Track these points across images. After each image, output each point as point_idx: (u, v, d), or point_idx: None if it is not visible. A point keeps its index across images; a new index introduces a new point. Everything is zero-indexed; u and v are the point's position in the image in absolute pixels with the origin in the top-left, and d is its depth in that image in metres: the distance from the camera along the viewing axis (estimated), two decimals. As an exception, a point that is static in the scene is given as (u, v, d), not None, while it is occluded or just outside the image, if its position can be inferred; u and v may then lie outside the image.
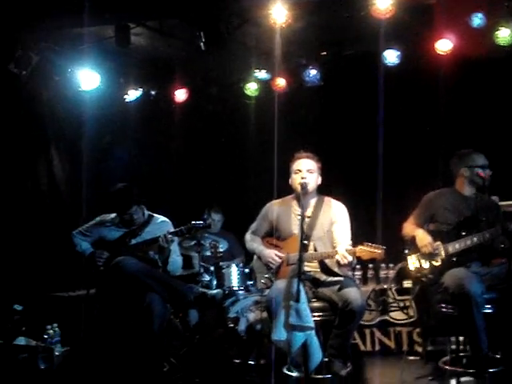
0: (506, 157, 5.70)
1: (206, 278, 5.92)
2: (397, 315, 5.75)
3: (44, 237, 6.01)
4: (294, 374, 4.06)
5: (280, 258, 4.30)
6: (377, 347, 5.80)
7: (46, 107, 6.37)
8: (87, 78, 6.19)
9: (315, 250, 4.26)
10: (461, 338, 4.37)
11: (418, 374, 5.03)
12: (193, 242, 5.88)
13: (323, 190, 4.54)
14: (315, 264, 4.28)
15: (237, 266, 5.89)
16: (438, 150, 6.02)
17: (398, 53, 6.09)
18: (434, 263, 4.22)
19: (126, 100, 6.78)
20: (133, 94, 6.77)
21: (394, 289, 5.80)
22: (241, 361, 5.38)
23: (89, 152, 6.57)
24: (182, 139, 7.05)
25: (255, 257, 4.54)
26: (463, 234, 4.20)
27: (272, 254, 4.33)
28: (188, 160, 7.11)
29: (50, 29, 5.43)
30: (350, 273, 4.50)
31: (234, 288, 5.82)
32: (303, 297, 3.49)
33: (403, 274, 5.43)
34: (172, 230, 4.57)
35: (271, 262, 4.32)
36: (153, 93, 6.85)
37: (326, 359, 4.05)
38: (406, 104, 6.37)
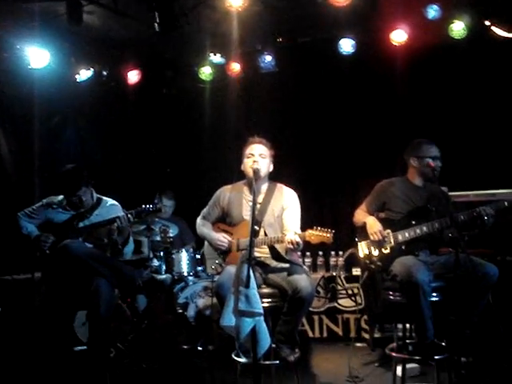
0: (458, 147, 5.80)
1: (156, 263, 5.87)
2: (345, 302, 5.83)
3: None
4: (243, 360, 4.05)
5: (228, 239, 4.30)
6: (325, 334, 5.87)
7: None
8: (37, 56, 6.02)
9: (266, 236, 4.25)
10: (407, 326, 4.41)
11: (365, 360, 5.13)
12: (142, 227, 5.82)
13: (275, 177, 4.53)
14: (265, 250, 4.28)
15: (187, 251, 5.85)
16: (392, 139, 6.09)
17: (353, 42, 6.11)
18: (384, 251, 4.25)
19: (77, 80, 6.61)
20: (84, 74, 6.61)
21: (342, 276, 5.87)
22: (189, 346, 5.38)
23: (38, 132, 6.40)
24: (134, 121, 6.93)
25: (206, 242, 4.52)
26: (413, 222, 4.25)
27: (220, 237, 4.34)
28: (140, 143, 7.00)
29: (-1, 4, 5.24)
30: (299, 260, 4.51)
31: (184, 274, 5.78)
32: (253, 282, 3.45)
33: (352, 261, 5.50)
34: (121, 213, 4.48)
35: (219, 245, 4.32)
36: (105, 73, 6.69)
37: (274, 345, 4.06)
38: (361, 93, 6.41)
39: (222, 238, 4.32)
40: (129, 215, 4.38)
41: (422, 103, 6.10)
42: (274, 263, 4.26)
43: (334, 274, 5.92)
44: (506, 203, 4.12)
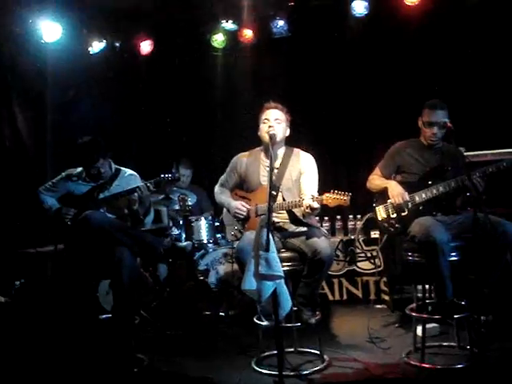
0: (475, 106, 5.76)
1: (175, 231, 5.93)
2: (364, 265, 5.88)
3: (10, 193, 5.89)
4: (264, 323, 4.12)
5: (246, 208, 4.32)
6: (345, 297, 5.93)
7: (6, 60, 6.15)
8: (49, 30, 6.03)
9: (284, 200, 4.27)
10: (427, 286, 4.44)
11: (385, 321, 5.17)
12: (161, 196, 5.86)
13: (291, 143, 4.53)
14: (284, 215, 4.31)
15: (206, 219, 5.90)
16: (407, 100, 6.03)
17: (366, 3, 6.04)
18: (402, 213, 4.26)
19: (90, 52, 6.62)
20: (97, 46, 6.60)
21: (361, 239, 5.90)
22: (211, 312, 5.46)
23: (53, 106, 6.43)
24: (148, 92, 6.93)
25: (225, 209, 4.55)
26: (429, 183, 4.24)
27: (239, 205, 4.35)
28: (155, 113, 7.00)
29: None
30: (317, 223, 4.53)
31: (204, 241, 5.84)
32: (273, 246, 3.50)
33: (371, 224, 5.51)
34: (140, 183, 4.51)
35: (238, 213, 4.34)
36: (117, 44, 6.69)
37: (295, 308, 4.12)
38: (375, 55, 6.33)
39: (241, 206, 4.33)
40: (148, 185, 4.41)
41: (437, 63, 6.03)
42: (292, 227, 4.30)
43: (353, 237, 5.95)
44: (504, 164, 4.09)
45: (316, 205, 3.91)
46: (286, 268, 4.01)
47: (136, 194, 4.36)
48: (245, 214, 4.32)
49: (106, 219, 4.32)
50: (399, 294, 5.51)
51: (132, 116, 6.97)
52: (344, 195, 3.91)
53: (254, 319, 4.23)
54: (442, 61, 6.01)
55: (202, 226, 5.87)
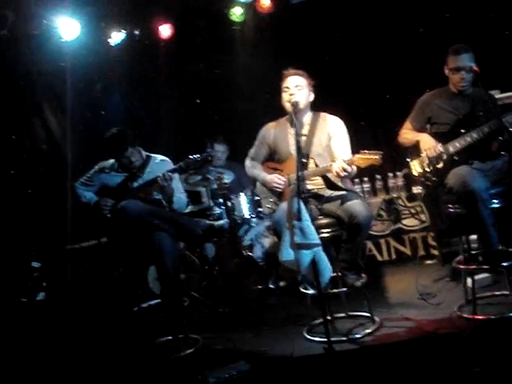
0: (506, 48, 5.55)
1: (217, 210, 5.95)
2: (409, 222, 5.80)
3: (50, 193, 6.01)
4: (311, 292, 4.12)
5: (283, 180, 4.27)
6: (393, 256, 5.88)
7: (31, 65, 6.22)
8: (67, 28, 6.05)
9: (316, 167, 4.22)
10: (474, 237, 4.35)
11: (436, 276, 5.11)
12: (199, 177, 5.89)
13: (319, 107, 4.45)
14: (319, 181, 4.26)
15: (245, 195, 5.90)
16: (434, 50, 5.84)
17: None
18: (437, 165, 4.15)
19: (111, 44, 6.63)
20: (116, 37, 6.58)
21: (403, 196, 5.81)
22: (261, 286, 5.48)
23: (82, 103, 6.49)
24: (173, 75, 6.92)
25: (258, 183, 4.52)
26: (462, 131, 4.12)
27: (275, 179, 4.30)
28: (183, 95, 7.00)
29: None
30: (355, 186, 4.47)
31: (246, 216, 5.85)
32: (305, 215, 3.47)
33: (411, 180, 5.40)
34: (171, 167, 4.54)
35: (276, 187, 4.30)
36: (137, 32, 6.67)
37: (340, 274, 4.10)
38: (398, 5, 6.15)
39: (277, 180, 4.28)
40: (167, 174, 4.39)
41: (462, 7, 5.82)
42: (328, 193, 4.24)
43: (395, 195, 5.86)
44: None
45: (347, 167, 3.84)
46: (325, 234, 4.00)
47: (158, 180, 4.37)
48: (283, 186, 4.27)
49: (142, 207, 4.35)
50: (448, 247, 5.42)
51: (160, 101, 6.98)
52: (375, 154, 3.82)
53: (300, 288, 4.23)
54: (467, 4, 5.79)
55: (242, 202, 5.86)
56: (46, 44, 6.10)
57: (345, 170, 3.84)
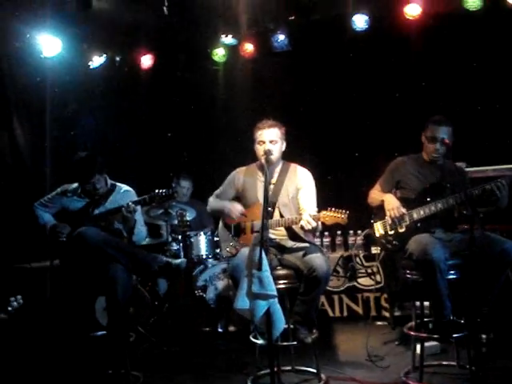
0: (476, 122, 5.71)
1: (175, 246, 5.90)
2: (365, 281, 5.81)
3: (8, 208, 5.87)
4: (260, 342, 4.07)
5: (240, 208, 4.30)
6: (345, 313, 5.87)
7: (6, 76, 6.14)
8: (48, 44, 6.03)
9: (281, 216, 4.23)
10: (426, 304, 4.38)
11: (385, 339, 5.12)
12: (160, 211, 5.84)
13: (290, 158, 4.49)
14: (281, 231, 4.27)
15: (205, 234, 5.87)
16: (409, 115, 5.99)
17: (367, 17, 6.02)
18: (399, 230, 4.21)
19: (91, 67, 6.62)
20: (97, 61, 6.60)
21: (361, 255, 5.84)
22: (209, 329, 5.42)
23: (53, 121, 6.42)
24: (148, 106, 6.93)
25: (220, 224, 4.51)
26: (428, 200, 4.18)
27: (234, 204, 4.34)
28: (155, 127, 6.99)
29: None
30: (316, 240, 4.49)
31: (203, 256, 5.81)
32: (265, 265, 3.46)
33: (371, 240, 5.44)
34: (135, 199, 4.49)
35: (232, 212, 4.31)
36: (118, 59, 6.69)
37: (292, 326, 4.07)
38: (376, 69, 6.31)
39: (235, 207, 4.31)
40: (132, 205, 4.34)
41: (438, 78, 6.01)
42: (289, 243, 4.24)
43: (353, 253, 5.89)
44: None
45: (313, 222, 3.87)
46: (282, 285, 3.98)
47: (122, 210, 4.32)
48: (237, 214, 4.29)
49: (100, 236, 4.28)
50: (400, 311, 5.46)
51: (133, 130, 6.96)
52: (341, 213, 3.87)
53: (251, 337, 4.18)
54: (443, 75, 5.97)
55: (202, 241, 5.84)
56: (25, 57, 6.03)
57: (310, 225, 3.86)
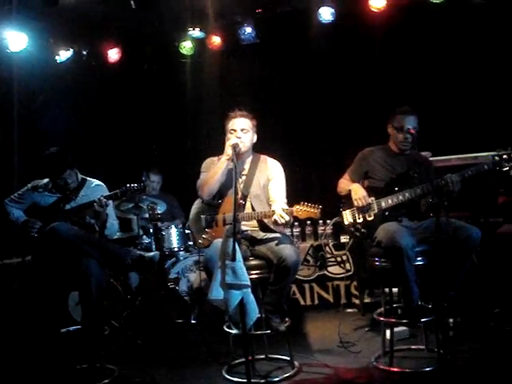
0: (441, 111, 5.84)
1: (146, 240, 5.93)
2: (334, 270, 5.91)
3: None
4: (234, 331, 4.13)
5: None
6: (316, 301, 5.96)
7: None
8: (14, 39, 5.96)
9: (252, 208, 4.28)
10: (395, 290, 4.50)
11: (356, 325, 5.22)
12: (131, 205, 5.85)
13: (259, 150, 4.54)
14: (253, 222, 4.31)
15: (176, 227, 5.90)
16: (375, 106, 6.09)
17: (333, 10, 6.09)
18: (368, 218, 4.30)
19: (57, 61, 6.57)
20: (64, 55, 6.57)
21: (331, 244, 5.93)
22: (182, 320, 5.46)
23: (20, 115, 6.37)
24: (116, 99, 6.90)
25: (191, 217, 4.50)
26: (396, 189, 4.29)
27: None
28: (124, 121, 6.98)
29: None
30: (286, 230, 4.55)
31: (174, 249, 5.84)
32: (239, 255, 3.51)
33: (340, 229, 5.55)
34: (107, 193, 4.50)
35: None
36: (84, 53, 6.66)
37: (264, 316, 4.13)
38: (342, 61, 6.40)
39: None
40: (104, 199, 4.35)
41: (403, 68, 6.13)
42: (260, 235, 4.29)
43: (323, 242, 5.98)
44: (485, 166, 4.15)
45: (287, 217, 3.93)
46: (254, 276, 4.03)
47: (94, 205, 4.33)
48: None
49: (72, 230, 4.28)
50: (369, 298, 5.57)
51: (101, 124, 6.94)
52: (315, 208, 3.92)
53: (224, 327, 4.23)
54: (408, 67, 6.09)
55: (173, 234, 5.87)
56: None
57: (284, 219, 3.92)
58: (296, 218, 4.08)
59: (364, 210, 4.32)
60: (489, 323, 4.58)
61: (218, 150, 4.56)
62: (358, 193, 4.35)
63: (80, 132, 6.69)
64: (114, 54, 6.74)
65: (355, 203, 4.34)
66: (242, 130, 4.29)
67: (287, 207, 4.03)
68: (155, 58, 6.83)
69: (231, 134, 4.30)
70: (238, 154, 4.13)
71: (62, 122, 6.56)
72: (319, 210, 3.92)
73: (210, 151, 4.68)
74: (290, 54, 6.58)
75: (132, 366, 4.52)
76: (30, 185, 4.65)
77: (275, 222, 4.02)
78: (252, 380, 3.68)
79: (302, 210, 3.93)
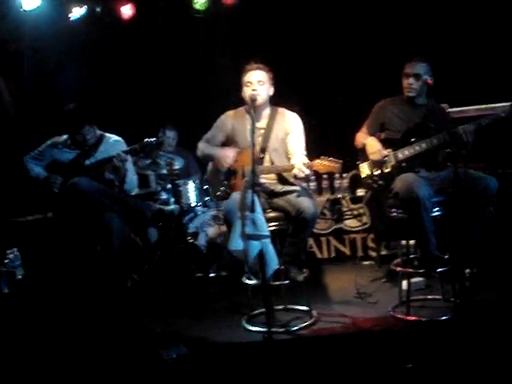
0: (457, 63, 5.78)
1: (164, 195, 5.96)
2: (351, 223, 5.95)
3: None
4: (253, 282, 4.20)
5: (234, 154, 4.31)
6: (333, 254, 6.01)
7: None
8: (28, -2, 5.95)
9: (271, 161, 4.30)
10: (412, 241, 4.53)
11: (373, 276, 5.27)
12: (148, 161, 5.88)
13: (276, 103, 4.53)
14: (272, 175, 4.34)
15: (194, 182, 5.93)
16: (390, 58, 6.02)
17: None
18: (385, 170, 4.31)
19: (71, 18, 6.54)
20: (77, 12, 6.51)
21: (347, 197, 5.95)
22: (202, 274, 5.54)
23: (35, 74, 6.38)
24: (131, 56, 6.88)
25: (209, 167, 4.53)
26: (412, 140, 4.28)
27: (226, 151, 4.33)
28: (139, 77, 6.97)
29: None
30: (304, 183, 4.58)
31: (192, 204, 5.89)
32: (258, 207, 3.56)
33: (356, 182, 5.55)
34: (125, 148, 4.54)
35: (226, 159, 4.31)
36: (98, 9, 6.62)
37: (283, 267, 4.20)
38: (357, 12, 6.32)
39: (229, 153, 4.31)
40: (123, 154, 4.39)
41: (419, 18, 6.04)
42: (278, 187, 4.32)
43: (339, 196, 6.01)
44: (503, 114, 4.13)
45: (307, 171, 3.93)
46: (272, 228, 4.07)
47: (113, 161, 4.37)
48: (230, 161, 4.30)
49: (93, 185, 4.35)
50: (386, 250, 5.62)
51: (116, 81, 6.94)
52: (336, 162, 3.90)
53: (243, 279, 4.31)
54: (425, 15, 6.01)
55: (190, 190, 5.88)
56: (4, 11, 5.96)
57: (304, 173, 3.92)
58: (315, 173, 4.08)
59: (380, 163, 4.32)
60: (505, 273, 4.61)
61: (233, 105, 4.59)
62: (373, 147, 4.36)
63: (96, 89, 6.69)
64: (127, 10, 6.69)
65: (370, 157, 4.35)
66: (258, 82, 4.27)
67: (307, 161, 4.01)
68: (168, 14, 6.77)
69: (247, 86, 4.29)
70: (254, 107, 4.14)
71: (77, 80, 6.57)
72: (340, 165, 3.90)
73: (225, 106, 4.69)
74: (306, 7, 6.48)
75: (154, 318, 4.60)
76: (49, 141, 4.71)
77: (295, 176, 4.04)
78: (272, 329, 3.76)
79: (323, 164, 3.91)
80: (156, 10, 6.78)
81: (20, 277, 5.02)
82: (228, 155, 4.32)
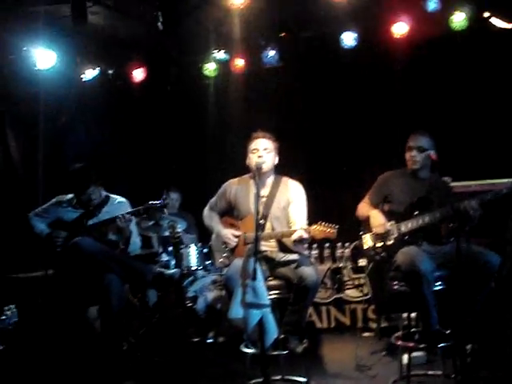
0: (460, 138, 5.87)
1: (165, 257, 5.96)
2: (352, 293, 5.89)
3: (1, 219, 5.92)
4: (251, 351, 4.14)
5: (236, 237, 4.36)
6: (333, 324, 5.93)
7: (0, 88, 6.22)
8: (43, 57, 6.09)
9: (272, 229, 4.32)
10: (413, 315, 4.49)
11: (372, 349, 5.19)
12: (151, 223, 5.89)
13: (281, 171, 4.59)
14: (272, 243, 4.35)
15: (195, 245, 5.93)
16: (394, 131, 6.12)
17: (355, 35, 6.16)
18: (387, 242, 4.32)
19: (83, 79, 6.69)
20: (90, 74, 6.67)
21: (349, 267, 5.93)
22: (199, 339, 5.47)
23: (46, 132, 6.49)
24: (140, 119, 7.01)
25: (213, 235, 4.58)
26: (415, 213, 4.31)
27: (229, 234, 4.39)
28: (146, 140, 7.08)
29: (4, 8, 5.31)
30: (305, 251, 4.58)
31: (193, 268, 5.87)
32: (259, 275, 3.55)
33: (358, 252, 5.54)
34: (129, 210, 4.57)
35: (228, 242, 4.38)
36: (110, 72, 6.78)
37: (282, 336, 4.14)
38: (364, 86, 6.45)
39: (231, 236, 4.38)
40: (127, 215, 4.42)
41: (424, 95, 6.16)
42: (280, 255, 4.33)
43: (341, 265, 5.99)
44: (504, 190, 4.15)
45: (305, 235, 3.96)
46: (273, 296, 4.06)
47: (117, 222, 4.40)
48: (234, 243, 4.37)
49: (95, 246, 4.36)
50: (386, 322, 5.55)
51: (124, 143, 7.04)
52: (331, 228, 3.96)
53: (241, 347, 4.25)
54: (429, 93, 6.13)
55: (192, 253, 5.89)
56: (19, 69, 6.10)
57: (302, 237, 3.96)
58: (313, 239, 4.10)
59: (384, 235, 4.33)
60: (506, 349, 4.54)
61: (239, 172, 4.65)
62: (378, 220, 4.39)
63: (104, 150, 6.78)
64: (138, 74, 6.84)
65: (374, 230, 4.37)
66: (264, 150, 4.35)
67: (305, 227, 4.06)
68: (179, 79, 6.93)
69: (253, 153, 4.36)
70: (259, 174, 4.19)
71: (87, 140, 6.67)
72: (336, 231, 3.96)
73: (230, 173, 4.76)
74: (312, 78, 6.66)
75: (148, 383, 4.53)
76: (54, 200, 4.75)
77: (295, 241, 4.05)
78: (269, 400, 3.69)
79: (319, 229, 3.97)
80: (167, 75, 6.93)
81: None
82: (230, 237, 4.39)
